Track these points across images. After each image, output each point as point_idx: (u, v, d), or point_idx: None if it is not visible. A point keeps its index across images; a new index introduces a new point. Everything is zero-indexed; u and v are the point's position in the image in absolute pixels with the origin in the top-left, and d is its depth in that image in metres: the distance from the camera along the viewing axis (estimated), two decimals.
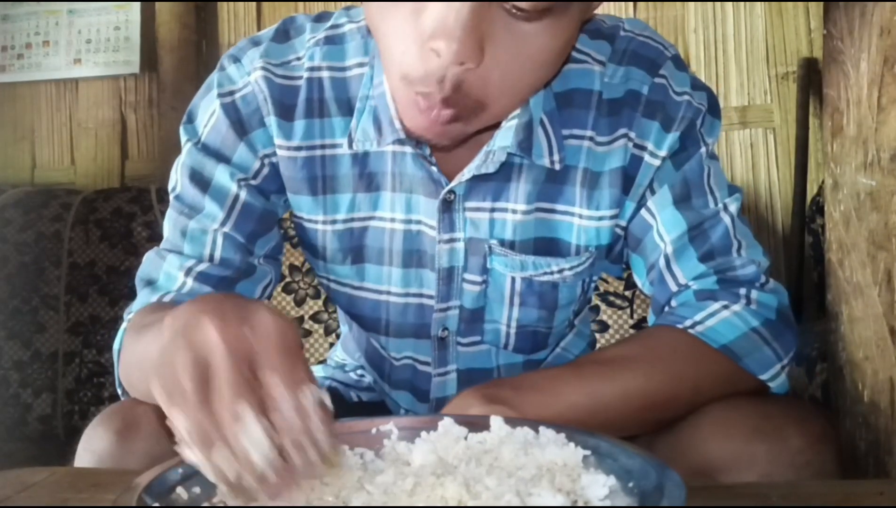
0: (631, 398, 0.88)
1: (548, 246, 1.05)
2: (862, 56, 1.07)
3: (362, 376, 1.31)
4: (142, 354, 0.87)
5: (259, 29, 2.66)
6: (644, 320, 2.12)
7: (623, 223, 1.04)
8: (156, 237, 2.33)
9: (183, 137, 1.05)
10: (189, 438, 0.57)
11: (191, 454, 0.58)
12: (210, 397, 0.57)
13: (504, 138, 0.95)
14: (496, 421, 0.68)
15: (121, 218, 2.46)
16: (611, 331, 2.14)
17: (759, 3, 2.37)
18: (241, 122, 1.02)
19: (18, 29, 2.83)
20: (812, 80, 2.26)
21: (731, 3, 2.39)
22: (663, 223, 0.99)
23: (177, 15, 2.67)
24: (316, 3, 2.63)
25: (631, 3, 2.45)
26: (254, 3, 2.70)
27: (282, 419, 0.57)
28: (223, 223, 1.01)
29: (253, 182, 1.03)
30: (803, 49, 2.34)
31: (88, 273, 2.40)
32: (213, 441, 0.56)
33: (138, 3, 2.72)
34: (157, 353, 0.64)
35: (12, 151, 2.85)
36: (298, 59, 1.03)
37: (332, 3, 2.62)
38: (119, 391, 1.02)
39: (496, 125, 0.95)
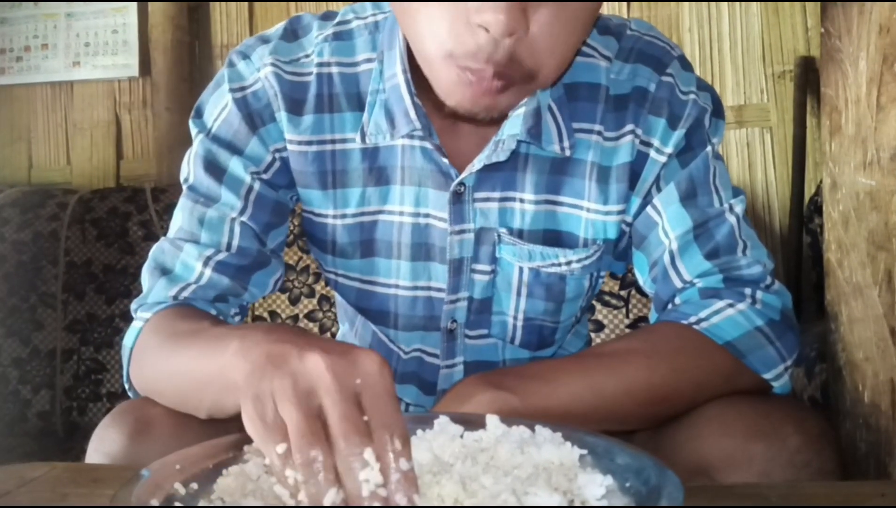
0: (633, 392, 0.88)
1: (556, 238, 1.05)
2: (861, 54, 1.07)
3: None
4: (186, 367, 0.84)
5: (251, 30, 2.68)
6: (640, 319, 2.12)
7: (629, 219, 1.04)
8: (151, 237, 2.34)
9: (193, 130, 1.05)
10: (303, 473, 0.57)
11: (282, 487, 0.58)
12: (325, 433, 0.58)
13: (513, 126, 0.96)
14: (492, 420, 0.67)
15: (116, 217, 2.47)
16: (606, 331, 2.14)
17: (754, 1, 2.37)
18: (251, 116, 1.02)
19: (17, 32, 2.84)
20: (809, 78, 2.26)
21: (726, 1, 2.39)
22: (668, 220, 1.00)
23: (170, 16, 2.67)
24: (307, 3, 2.63)
25: (624, 3, 2.45)
26: (246, 4, 2.70)
27: (389, 479, 0.56)
28: (241, 212, 1.01)
29: (265, 176, 1.03)
30: (800, 48, 2.34)
31: (85, 272, 2.41)
32: (330, 482, 0.56)
33: (135, 7, 2.72)
34: (221, 372, 0.67)
35: (9, 152, 2.85)
36: (307, 56, 1.04)
37: (325, 3, 2.61)
38: (127, 387, 1.01)
39: (503, 116, 0.96)
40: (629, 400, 0.88)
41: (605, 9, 2.42)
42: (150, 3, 2.70)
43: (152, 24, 2.69)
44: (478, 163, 0.99)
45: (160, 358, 0.93)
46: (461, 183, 1.01)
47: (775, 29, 2.35)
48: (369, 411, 0.59)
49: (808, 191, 2.23)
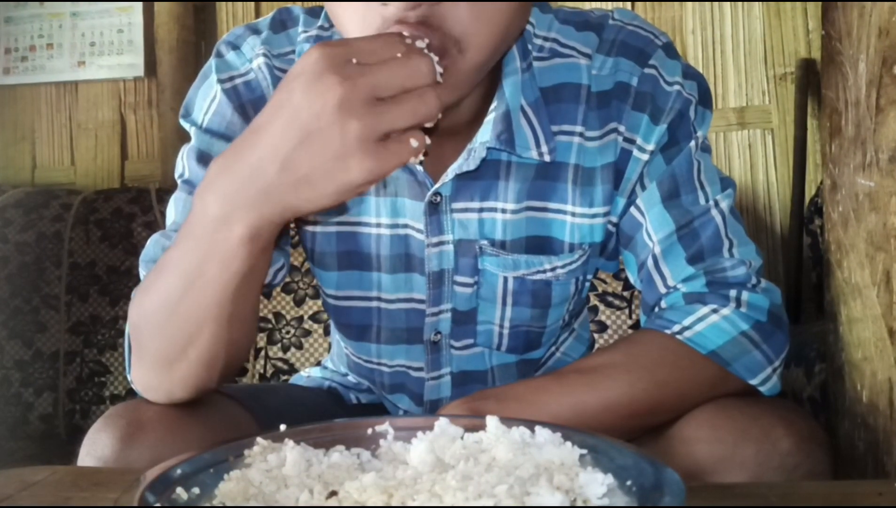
0: (614, 408, 0.88)
1: (540, 244, 1.03)
2: (860, 57, 1.08)
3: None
4: (175, 270, 0.84)
5: None
6: None
7: (614, 219, 1.03)
8: None
9: (185, 126, 1.04)
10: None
11: None
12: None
13: (484, 134, 0.95)
14: (492, 421, 0.68)
15: (121, 218, 2.46)
16: (609, 331, 2.14)
17: (757, 3, 2.37)
18: (244, 106, 1.00)
19: (22, 31, 2.83)
20: (810, 81, 2.26)
21: (728, 3, 2.39)
22: (651, 222, 0.98)
23: (175, 16, 2.67)
24: (314, 2, 2.63)
25: (629, 4, 2.45)
26: (252, 4, 2.70)
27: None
28: None
29: None
30: (801, 50, 2.34)
31: (89, 273, 2.41)
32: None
33: (141, 6, 2.72)
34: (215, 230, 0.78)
35: (13, 152, 2.85)
36: (293, 52, 1.03)
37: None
38: (129, 379, 0.98)
39: (479, 122, 0.95)
40: (611, 415, 0.87)
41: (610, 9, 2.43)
42: (155, 3, 2.69)
43: (158, 24, 2.69)
44: (451, 172, 0.97)
45: (147, 294, 0.91)
46: (437, 193, 0.99)
47: (777, 31, 2.36)
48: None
49: (809, 192, 2.23)
